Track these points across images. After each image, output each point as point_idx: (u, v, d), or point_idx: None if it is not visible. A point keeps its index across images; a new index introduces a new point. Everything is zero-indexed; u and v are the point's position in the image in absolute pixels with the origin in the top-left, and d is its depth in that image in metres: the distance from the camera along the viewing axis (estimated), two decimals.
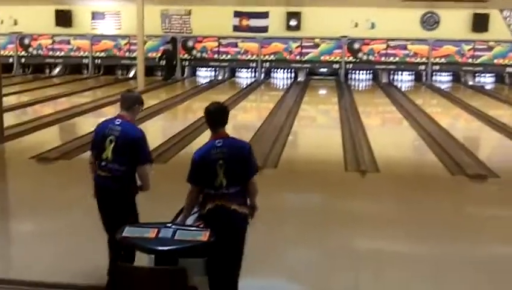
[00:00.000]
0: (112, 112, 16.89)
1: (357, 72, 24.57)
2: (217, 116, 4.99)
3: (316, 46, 24.24)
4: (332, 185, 9.15)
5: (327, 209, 7.93)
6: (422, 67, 24.06)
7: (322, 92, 22.76)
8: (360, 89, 23.19)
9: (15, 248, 6.79)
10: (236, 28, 24.85)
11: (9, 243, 7.00)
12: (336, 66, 24.34)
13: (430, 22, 24.14)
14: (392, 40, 23.86)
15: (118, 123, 5.30)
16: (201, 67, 25.52)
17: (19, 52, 25.67)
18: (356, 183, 9.37)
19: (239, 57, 24.79)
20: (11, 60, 25.37)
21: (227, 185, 4.81)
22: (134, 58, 22.73)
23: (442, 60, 23.90)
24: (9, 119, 13.24)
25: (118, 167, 5.19)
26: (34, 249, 6.40)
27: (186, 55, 25.13)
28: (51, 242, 6.57)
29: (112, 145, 5.23)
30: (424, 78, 24.08)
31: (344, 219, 7.53)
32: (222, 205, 4.81)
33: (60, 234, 6.84)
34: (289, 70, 24.94)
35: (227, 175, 4.80)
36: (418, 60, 23.95)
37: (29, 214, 7.60)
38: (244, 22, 24.79)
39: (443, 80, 24.21)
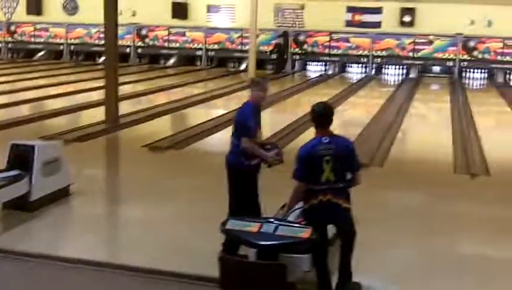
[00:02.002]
0: (222, 103, 17.25)
1: (472, 70, 23.71)
2: (324, 115, 5.09)
3: (430, 43, 23.61)
4: (439, 186, 8.86)
5: (432, 212, 7.68)
6: None
7: (434, 89, 22.13)
8: (475, 88, 22.36)
9: (124, 233, 7.04)
10: (348, 23, 24.61)
11: (119, 229, 7.28)
12: (450, 63, 23.61)
13: None
14: (510, 38, 22.85)
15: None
16: (312, 61, 25.49)
17: (136, 43, 26.66)
18: (465, 186, 9.04)
19: (350, 52, 24.56)
20: (128, 50, 26.40)
21: (336, 180, 4.94)
22: (246, 52, 23.02)
23: None
24: (124, 107, 13.77)
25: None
26: (141, 235, 6.61)
27: (297, 49, 25.17)
28: (158, 230, 6.76)
29: None
30: None
31: (449, 222, 7.27)
32: (328, 200, 4.93)
33: (167, 222, 7.02)
34: (401, 67, 24.45)
35: (334, 171, 4.92)
36: None
37: (139, 201, 7.85)
38: (357, 17, 24.51)
39: None
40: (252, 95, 5.84)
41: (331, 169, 4.91)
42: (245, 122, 5.64)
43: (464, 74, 23.69)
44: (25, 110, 14.73)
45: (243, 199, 5.68)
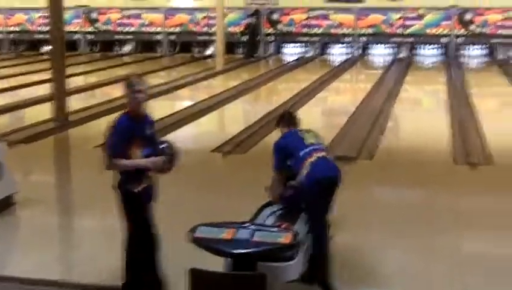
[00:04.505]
0: (188, 94, 17.21)
1: (469, 47, 23.89)
2: (293, 116, 6.02)
3: (421, 17, 23.74)
4: (437, 179, 8.93)
5: (431, 207, 7.75)
6: None
7: (428, 69, 22.29)
8: (473, 66, 22.56)
9: (76, 246, 7.00)
10: None
11: (71, 242, 7.23)
12: (444, 40, 23.78)
13: None
14: (511, 9, 23.07)
15: None
16: (288, 43, 25.48)
17: (85, 28, 26.45)
18: (465, 177, 9.12)
19: (331, 30, 24.59)
20: (76, 36, 26.18)
21: (318, 143, 5.71)
22: (213, 34, 22.95)
23: None
24: (74, 102, 13.66)
25: None
26: (96, 248, 6.58)
27: (271, 30, 25.16)
28: (113, 241, 6.71)
29: None
30: None
31: (450, 218, 7.35)
32: (323, 156, 5.58)
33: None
34: (389, 46, 24.56)
35: (315, 139, 5.73)
36: None
37: (93, 210, 7.80)
38: None
39: None
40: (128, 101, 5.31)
41: (311, 137, 5.70)
42: (109, 135, 5.20)
43: (460, 51, 23.85)
44: None
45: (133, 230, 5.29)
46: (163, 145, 5.36)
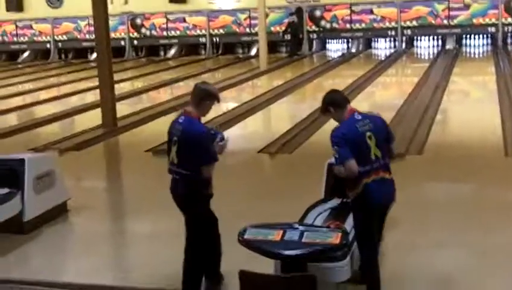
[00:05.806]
0: (233, 95, 17.27)
1: None
2: (340, 93, 5.37)
3: (467, 7, 23.41)
4: (489, 173, 8.79)
5: (483, 203, 7.64)
6: None
7: (476, 61, 21.96)
8: None
9: (131, 251, 7.08)
10: None
11: (125, 247, 7.31)
12: (492, 29, 23.40)
13: None
14: None
15: (181, 121, 5.28)
16: (332, 39, 25.40)
17: (130, 34, 26.74)
18: None
19: (375, 25, 24.44)
20: (122, 42, 26.49)
21: (382, 156, 5.04)
22: (256, 34, 22.99)
23: None
24: (122, 108, 13.82)
25: (185, 171, 5.24)
26: (150, 253, 6.64)
27: (313, 27, 25.09)
28: (167, 246, 6.77)
29: (176, 147, 5.27)
30: None
31: (504, 213, 7.22)
32: (382, 178, 5.02)
33: (176, 236, 7.02)
34: (435, 38, 24.28)
35: (379, 146, 5.02)
36: None
37: (146, 215, 7.87)
38: None
39: None
40: (202, 108, 5.27)
41: (375, 145, 5.00)
42: (206, 145, 5.19)
43: (509, 41, 23.45)
44: (11, 119, 14.85)
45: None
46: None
